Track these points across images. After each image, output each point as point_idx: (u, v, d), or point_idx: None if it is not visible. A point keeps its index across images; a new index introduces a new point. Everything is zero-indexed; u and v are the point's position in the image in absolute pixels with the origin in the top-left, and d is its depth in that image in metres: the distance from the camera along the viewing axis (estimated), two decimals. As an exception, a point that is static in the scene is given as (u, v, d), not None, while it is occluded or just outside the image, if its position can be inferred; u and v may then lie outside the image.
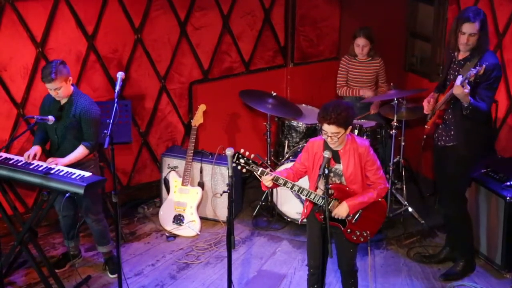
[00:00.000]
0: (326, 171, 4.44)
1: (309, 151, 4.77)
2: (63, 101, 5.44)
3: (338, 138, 4.57)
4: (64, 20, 6.13)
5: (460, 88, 5.00)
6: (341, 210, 4.70)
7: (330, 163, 4.63)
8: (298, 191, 4.69)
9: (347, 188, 4.73)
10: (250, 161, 4.62)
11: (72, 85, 5.43)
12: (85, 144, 5.41)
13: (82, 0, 6.16)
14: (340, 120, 4.51)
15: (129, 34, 6.51)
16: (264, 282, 5.78)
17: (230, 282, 4.93)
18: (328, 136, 4.58)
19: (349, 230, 4.79)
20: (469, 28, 5.15)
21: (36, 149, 5.43)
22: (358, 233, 4.80)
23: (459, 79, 5.03)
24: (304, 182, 4.80)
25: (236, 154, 4.60)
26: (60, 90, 5.31)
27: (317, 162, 4.70)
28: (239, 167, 4.62)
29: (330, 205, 4.69)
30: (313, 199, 4.69)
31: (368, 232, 4.80)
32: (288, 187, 4.68)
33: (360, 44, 6.67)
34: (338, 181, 4.75)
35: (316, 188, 4.72)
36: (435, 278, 5.78)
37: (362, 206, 4.72)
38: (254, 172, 4.63)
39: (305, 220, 4.97)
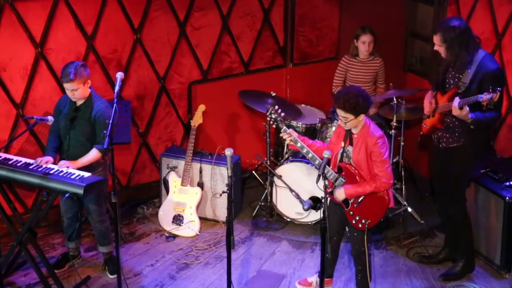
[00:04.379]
0: (325, 172, 4.69)
1: (337, 129, 5.18)
2: (79, 103, 5.45)
3: (346, 123, 4.90)
4: (64, 20, 6.13)
5: (457, 110, 5.03)
6: (338, 194, 5.03)
7: (346, 143, 5.02)
8: (311, 158, 5.09)
9: (354, 170, 4.99)
10: (279, 118, 5.16)
11: (90, 87, 5.45)
12: (98, 147, 5.41)
13: (81, 1, 6.16)
14: (347, 107, 4.82)
15: (128, 34, 6.51)
16: (263, 282, 5.78)
17: (230, 282, 4.94)
18: (339, 118, 4.95)
19: (351, 213, 5.09)
20: (434, 39, 5.24)
21: (49, 158, 5.38)
22: (358, 218, 5.06)
23: (457, 101, 5.03)
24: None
25: (270, 109, 5.18)
26: (77, 91, 5.33)
27: (339, 140, 5.09)
28: (271, 122, 5.18)
29: (337, 181, 5.04)
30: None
31: (368, 221, 5.02)
32: (303, 152, 5.11)
33: (367, 41, 6.69)
34: (347, 162, 5.05)
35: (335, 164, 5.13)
36: (434, 278, 5.79)
37: (357, 194, 5.00)
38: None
39: None
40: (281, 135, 5.16)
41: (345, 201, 5.07)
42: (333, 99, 4.94)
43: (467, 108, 5.02)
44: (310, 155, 5.08)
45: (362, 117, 4.89)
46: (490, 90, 4.89)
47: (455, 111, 5.07)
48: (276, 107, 5.20)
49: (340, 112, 4.87)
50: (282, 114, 5.19)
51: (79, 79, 5.29)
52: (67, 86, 5.32)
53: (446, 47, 5.17)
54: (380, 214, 5.07)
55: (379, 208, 5.04)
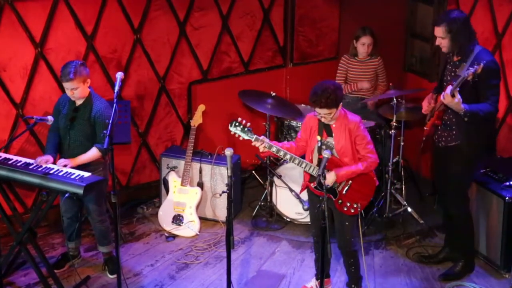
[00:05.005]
0: (308, 169, 4.88)
1: (306, 125, 5.14)
2: (78, 102, 5.45)
3: (332, 118, 4.93)
4: (63, 20, 6.13)
5: (449, 97, 5.00)
6: (329, 178, 4.94)
7: (323, 136, 5.01)
8: (290, 159, 5.01)
9: (336, 158, 5.01)
10: (246, 129, 4.99)
11: (89, 87, 5.45)
12: (98, 146, 5.41)
13: (81, 1, 6.16)
14: (330, 103, 4.84)
15: (128, 34, 6.51)
16: (263, 282, 5.78)
17: (230, 282, 4.94)
18: (321, 116, 4.93)
19: (340, 201, 5.09)
20: (436, 32, 5.24)
21: (48, 157, 5.39)
22: (348, 204, 5.09)
23: (449, 88, 5.02)
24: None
25: (233, 122, 4.98)
26: (76, 90, 5.33)
27: (313, 135, 5.07)
28: (236, 135, 5.01)
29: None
30: (305, 168, 5.03)
31: (358, 204, 5.07)
32: (280, 155, 5.02)
33: (366, 43, 6.70)
34: None
35: (311, 160, 5.08)
36: (434, 278, 5.78)
37: (349, 176, 5.01)
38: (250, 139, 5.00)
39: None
40: (253, 144, 5.04)
41: (333, 191, 5.07)
42: (310, 101, 4.88)
43: (458, 96, 4.99)
44: (288, 156, 5.02)
45: (340, 105, 4.95)
46: (475, 64, 4.92)
47: (447, 99, 5.02)
48: (240, 118, 5.00)
49: (323, 110, 4.86)
50: (248, 124, 5.01)
51: (78, 77, 5.29)
52: (66, 85, 5.32)
53: (450, 38, 5.17)
54: (370, 194, 5.16)
55: (368, 189, 5.12)
